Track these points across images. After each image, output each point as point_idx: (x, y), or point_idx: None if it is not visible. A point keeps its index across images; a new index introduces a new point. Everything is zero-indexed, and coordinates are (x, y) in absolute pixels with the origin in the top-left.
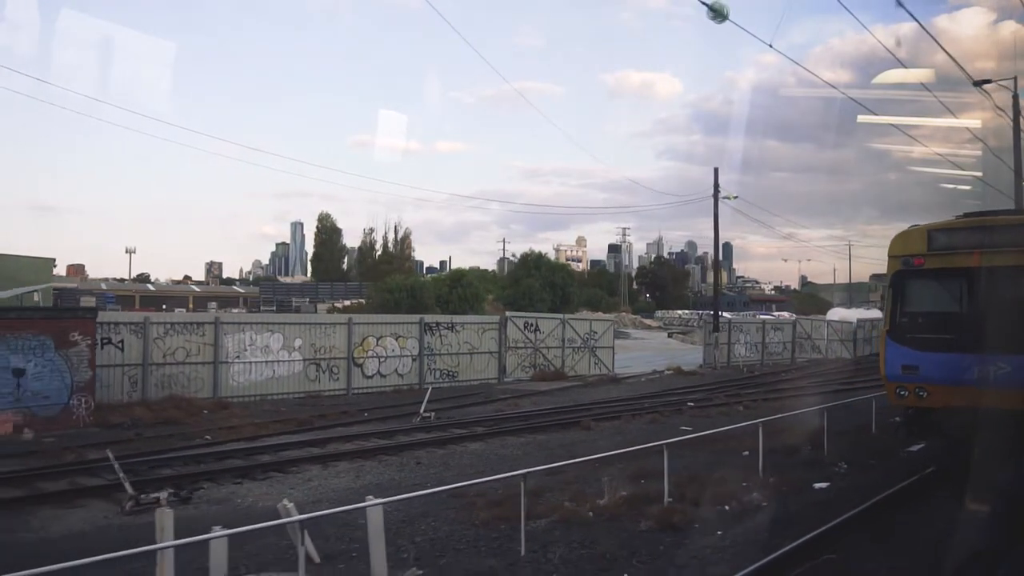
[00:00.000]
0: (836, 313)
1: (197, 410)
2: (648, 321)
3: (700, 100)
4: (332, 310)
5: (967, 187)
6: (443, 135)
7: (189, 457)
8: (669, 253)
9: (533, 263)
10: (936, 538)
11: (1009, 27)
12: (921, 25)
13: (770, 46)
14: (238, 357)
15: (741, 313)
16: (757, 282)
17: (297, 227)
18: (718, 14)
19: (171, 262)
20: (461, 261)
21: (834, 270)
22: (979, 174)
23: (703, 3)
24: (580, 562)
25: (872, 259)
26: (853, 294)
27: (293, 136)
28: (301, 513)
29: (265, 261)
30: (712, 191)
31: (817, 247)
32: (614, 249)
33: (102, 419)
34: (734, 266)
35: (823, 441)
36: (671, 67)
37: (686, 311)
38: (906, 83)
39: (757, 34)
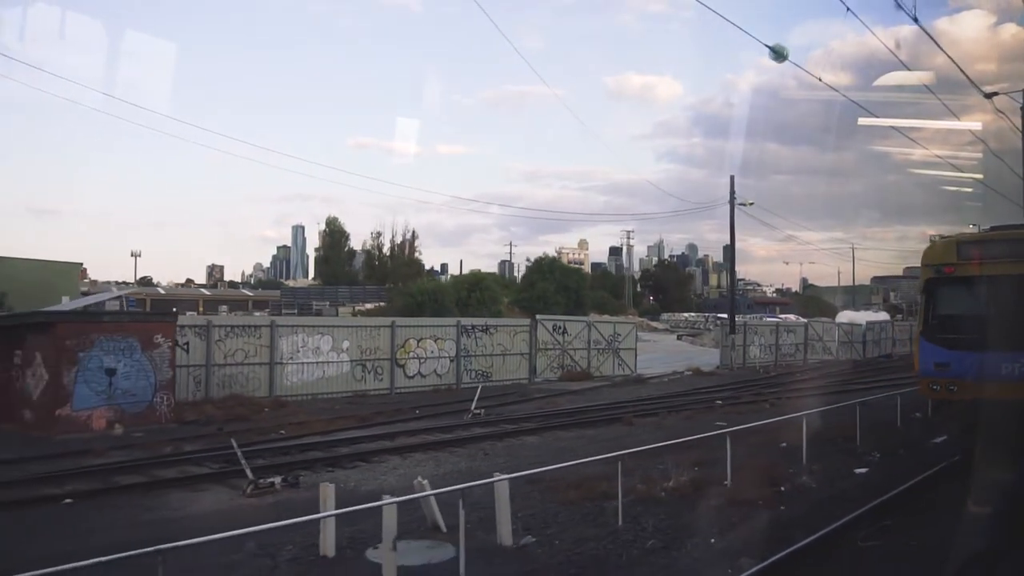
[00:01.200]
0: (845, 316)
1: (259, 408)
2: (654, 323)
3: (700, 103)
4: (356, 313)
5: (968, 189)
6: (443, 138)
7: (276, 449)
8: (670, 256)
9: (547, 267)
10: (971, 510)
11: (1009, 30)
12: (922, 28)
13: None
14: (291, 358)
15: (747, 316)
16: (759, 285)
17: (298, 230)
18: (779, 55)
19: (172, 265)
20: (464, 263)
21: (838, 273)
22: (980, 176)
23: (766, 45)
24: (670, 530)
25: (872, 262)
26: (855, 296)
27: (293, 138)
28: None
29: (266, 264)
30: (728, 198)
31: (818, 249)
32: (615, 252)
33: (178, 416)
34: (735, 268)
35: (855, 434)
36: (671, 70)
37: (692, 313)
38: (907, 86)
39: (757, 36)
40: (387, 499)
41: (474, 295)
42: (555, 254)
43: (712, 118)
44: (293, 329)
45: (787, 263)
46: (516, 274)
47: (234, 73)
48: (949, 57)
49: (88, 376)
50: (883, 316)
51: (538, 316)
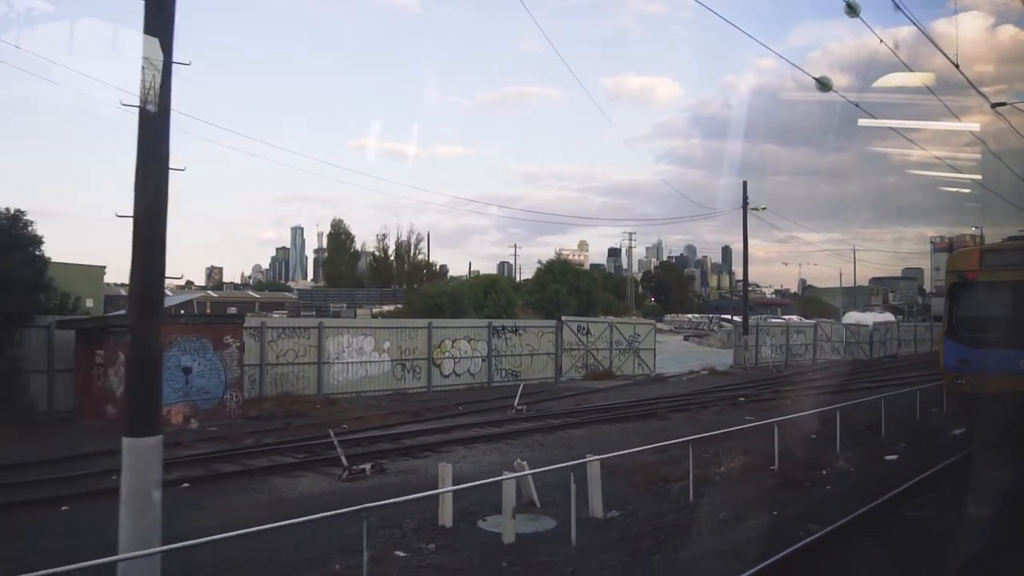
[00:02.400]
0: (852, 317)
1: (312, 405)
2: (659, 325)
3: (699, 104)
4: (375, 315)
5: (966, 190)
6: (443, 139)
7: (347, 441)
8: (668, 257)
9: (558, 269)
10: (996, 489)
11: (1008, 31)
12: (920, 29)
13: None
14: (338, 358)
15: (752, 317)
16: (758, 286)
17: (297, 231)
18: (825, 86)
19: (170, 267)
20: (459, 265)
21: (840, 274)
22: (978, 177)
23: (814, 78)
24: (736, 506)
25: (870, 263)
26: (856, 297)
27: (291, 139)
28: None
29: (265, 266)
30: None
31: (817, 251)
32: (613, 253)
33: (242, 412)
34: (733, 269)
35: (880, 426)
36: (670, 71)
37: (696, 315)
38: (906, 87)
39: (755, 40)
40: (506, 475)
41: (490, 297)
42: (555, 255)
43: (711, 119)
44: (339, 330)
45: (786, 264)
46: (515, 275)
47: (231, 73)
48: (948, 59)
49: (167, 374)
50: (888, 317)
51: (563, 318)
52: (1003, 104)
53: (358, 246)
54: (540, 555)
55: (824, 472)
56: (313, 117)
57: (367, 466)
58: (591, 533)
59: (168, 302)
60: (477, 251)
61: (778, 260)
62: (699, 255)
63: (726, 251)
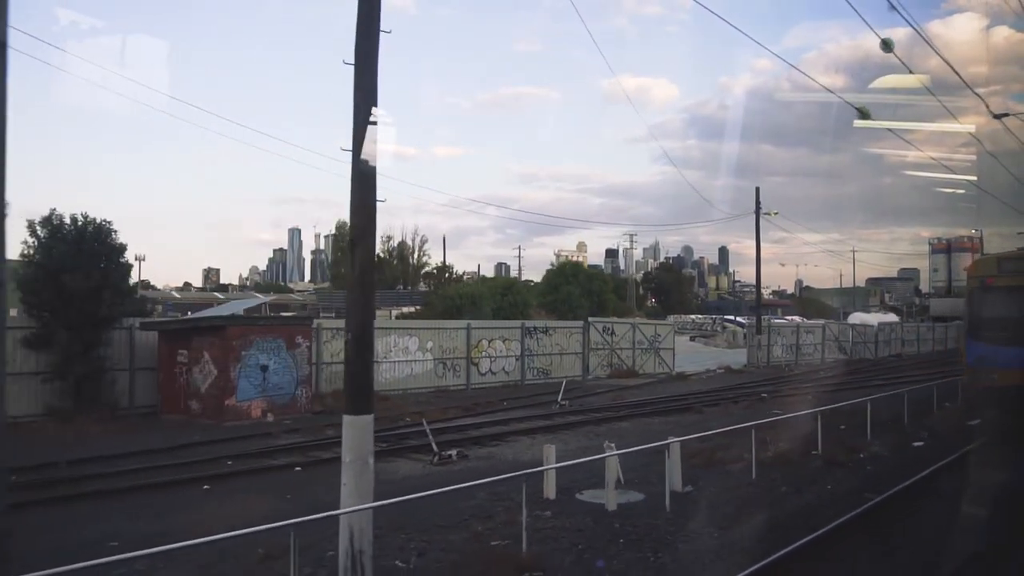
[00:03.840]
0: (857, 317)
1: None
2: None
3: (696, 105)
4: (402, 316)
5: (961, 191)
6: (440, 140)
7: (417, 433)
8: (666, 257)
9: (571, 271)
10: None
11: (1002, 32)
12: (916, 30)
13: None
14: (385, 357)
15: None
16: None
17: (295, 233)
18: (864, 115)
19: (168, 269)
20: (457, 265)
21: (840, 275)
22: (973, 178)
23: (853, 106)
24: (794, 481)
25: (867, 263)
26: (854, 298)
27: (290, 139)
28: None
29: (263, 267)
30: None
31: (814, 251)
32: (611, 254)
33: (309, 407)
34: (731, 270)
35: (903, 417)
36: (667, 72)
37: (698, 316)
38: (901, 88)
39: (753, 40)
40: (609, 452)
41: (507, 299)
42: (554, 256)
43: (707, 120)
44: (387, 331)
45: (783, 265)
46: (518, 276)
47: (229, 73)
48: (945, 60)
49: (248, 372)
50: (892, 318)
51: (590, 319)
52: (1005, 115)
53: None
54: (641, 519)
55: (862, 456)
56: (311, 117)
57: (453, 452)
58: (676, 503)
59: (237, 307)
60: (475, 252)
61: (775, 261)
62: (696, 256)
63: (723, 252)
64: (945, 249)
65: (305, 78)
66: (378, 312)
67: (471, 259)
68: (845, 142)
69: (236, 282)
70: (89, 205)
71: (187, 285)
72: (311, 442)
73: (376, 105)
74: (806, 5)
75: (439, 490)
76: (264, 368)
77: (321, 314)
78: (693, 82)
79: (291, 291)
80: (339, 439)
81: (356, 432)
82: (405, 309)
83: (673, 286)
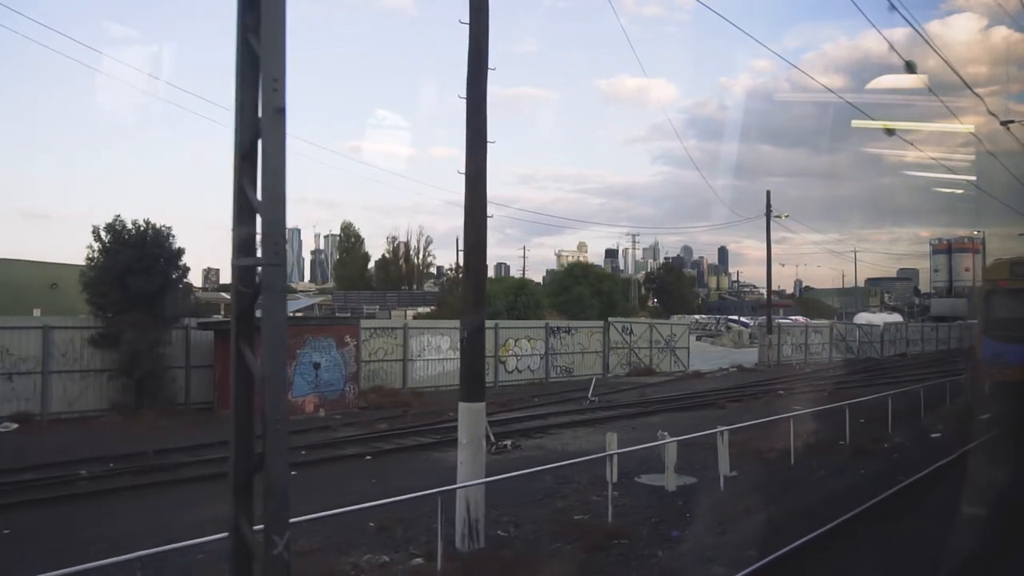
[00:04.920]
0: (863, 317)
1: (404, 397)
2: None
3: (695, 105)
4: (418, 316)
5: (959, 191)
6: (438, 140)
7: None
8: (665, 257)
9: (581, 272)
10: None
11: (1000, 32)
12: (916, 30)
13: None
14: (419, 355)
15: (757, 318)
16: (755, 287)
17: (294, 233)
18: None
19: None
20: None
21: (841, 275)
22: (972, 178)
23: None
24: (828, 465)
25: (866, 263)
26: (856, 298)
27: (290, 139)
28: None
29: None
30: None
31: (813, 252)
32: (611, 254)
33: (356, 403)
34: (731, 271)
35: (920, 411)
36: (666, 73)
37: (702, 316)
38: (900, 88)
39: (752, 38)
40: (665, 439)
41: (520, 299)
42: (555, 256)
43: (706, 120)
44: (420, 331)
45: (783, 265)
46: (523, 276)
47: (228, 73)
48: (945, 61)
49: (302, 369)
50: (897, 318)
51: (610, 319)
52: (1011, 122)
53: (366, 248)
54: (700, 498)
55: (886, 445)
56: (309, 118)
57: (508, 443)
58: (728, 485)
59: (294, 306)
60: None
61: (775, 261)
62: (695, 256)
63: (722, 252)
64: (946, 250)
65: (305, 77)
66: (394, 312)
67: None
68: (844, 142)
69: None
70: (89, 205)
71: (188, 286)
72: (369, 435)
73: (487, 144)
74: (805, 5)
75: (534, 469)
76: (316, 365)
77: (336, 314)
78: (692, 82)
79: (295, 291)
80: (392, 432)
81: (471, 417)
82: (420, 309)
83: (675, 286)
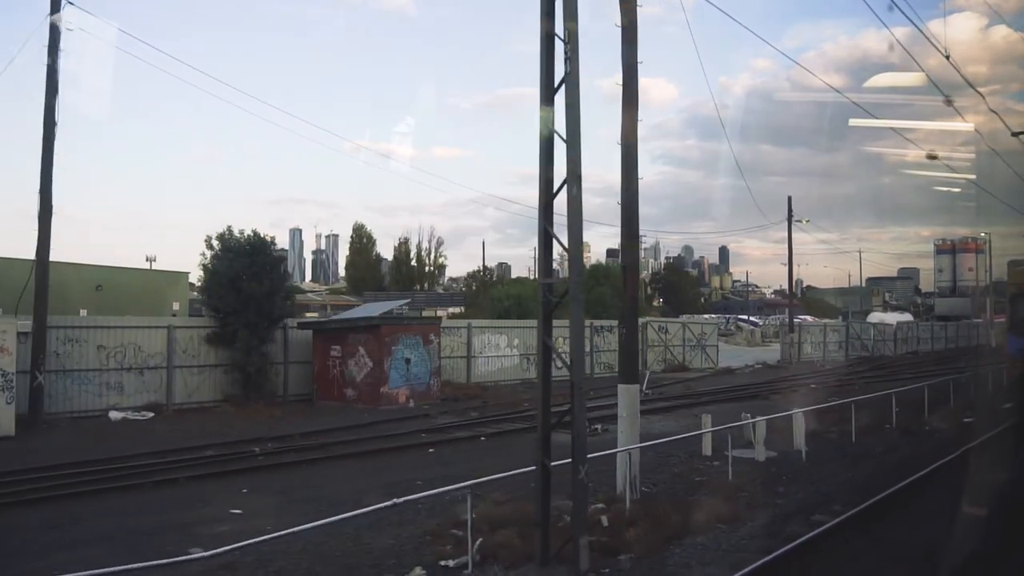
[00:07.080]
0: (875, 317)
1: (473, 390)
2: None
3: (694, 105)
4: (449, 316)
5: (957, 190)
6: (439, 141)
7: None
8: (666, 257)
9: (602, 273)
10: None
11: (1000, 32)
12: (919, 29)
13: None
14: (481, 353)
15: (766, 318)
16: (757, 286)
17: (296, 233)
18: (932, 158)
19: (167, 269)
20: (458, 265)
21: (845, 275)
22: (972, 176)
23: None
24: (883, 445)
25: (867, 262)
26: (859, 297)
27: (287, 140)
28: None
29: None
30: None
31: (813, 251)
32: (612, 254)
33: (438, 395)
34: (731, 270)
35: (949, 400)
36: (665, 72)
37: (711, 315)
38: (899, 87)
39: (754, 34)
40: (749, 419)
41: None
42: (557, 256)
43: (706, 120)
44: (482, 330)
45: (784, 264)
46: (534, 276)
47: (226, 74)
48: (947, 60)
49: (396, 364)
50: (908, 317)
51: (647, 318)
52: (1022, 133)
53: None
54: (787, 466)
55: (927, 428)
56: (309, 118)
57: (599, 426)
58: (803, 458)
59: (373, 309)
60: (475, 252)
61: (775, 260)
62: (696, 256)
63: (723, 251)
64: (950, 250)
65: (305, 77)
66: (424, 312)
67: (472, 259)
68: (844, 141)
69: None
70: (89, 205)
71: (190, 286)
72: (466, 422)
73: (638, 179)
74: (804, 5)
75: (654, 442)
76: (407, 361)
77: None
78: (691, 82)
79: (303, 291)
80: (484, 420)
81: (628, 395)
82: (451, 310)
83: (680, 286)
